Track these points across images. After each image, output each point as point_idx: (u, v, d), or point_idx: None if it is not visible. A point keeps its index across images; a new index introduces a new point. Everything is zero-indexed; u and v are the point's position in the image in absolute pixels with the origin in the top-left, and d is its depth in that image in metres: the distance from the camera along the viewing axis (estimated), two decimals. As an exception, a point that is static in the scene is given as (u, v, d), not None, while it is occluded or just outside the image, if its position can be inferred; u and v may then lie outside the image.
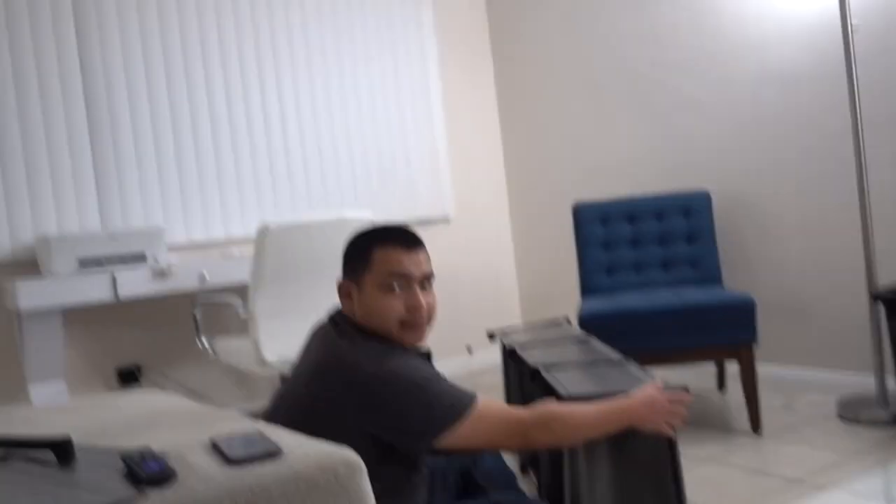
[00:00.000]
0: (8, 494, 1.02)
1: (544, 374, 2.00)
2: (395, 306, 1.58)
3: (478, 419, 1.51)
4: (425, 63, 4.30)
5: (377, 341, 1.59)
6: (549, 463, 2.00)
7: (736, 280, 3.47)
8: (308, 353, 1.68)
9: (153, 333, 3.45)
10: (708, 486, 2.37)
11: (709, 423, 2.99)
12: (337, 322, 1.66)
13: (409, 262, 1.60)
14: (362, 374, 1.49)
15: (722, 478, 2.42)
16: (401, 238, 1.63)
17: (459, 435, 1.49)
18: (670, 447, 1.68)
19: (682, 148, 3.68)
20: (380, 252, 1.60)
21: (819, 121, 3.18)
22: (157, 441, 1.23)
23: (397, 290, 1.58)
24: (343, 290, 1.65)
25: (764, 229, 3.39)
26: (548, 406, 1.58)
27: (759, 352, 3.31)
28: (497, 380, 4.17)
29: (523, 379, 2.30)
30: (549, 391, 1.86)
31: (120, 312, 3.37)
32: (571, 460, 1.74)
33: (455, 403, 1.50)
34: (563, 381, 1.91)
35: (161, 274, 3.02)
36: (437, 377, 1.54)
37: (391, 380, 1.49)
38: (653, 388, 1.67)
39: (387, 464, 1.51)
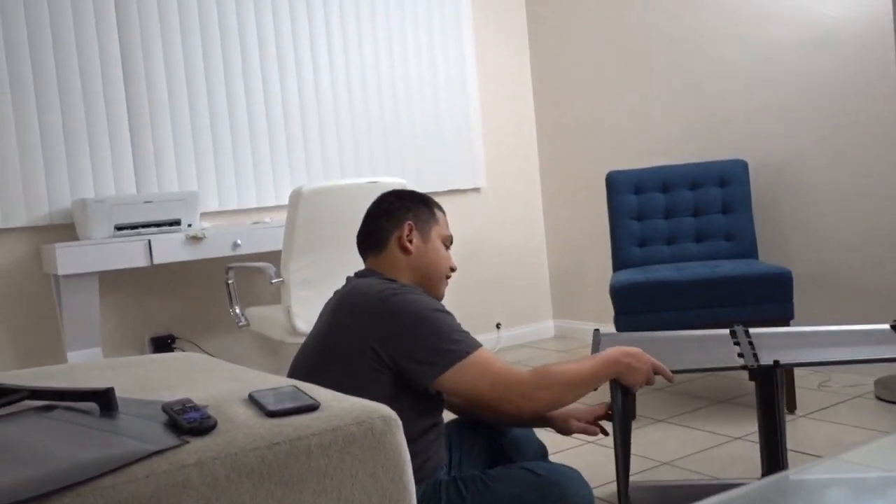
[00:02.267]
0: (53, 440, 1.03)
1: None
2: (449, 260, 1.82)
3: (483, 364, 1.57)
4: (460, 31, 4.26)
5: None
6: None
7: (772, 253, 3.42)
8: (327, 304, 1.73)
9: (186, 302, 3.49)
10: (740, 464, 2.35)
11: (742, 401, 2.96)
12: (361, 273, 1.76)
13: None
14: (385, 297, 1.60)
15: (755, 456, 2.40)
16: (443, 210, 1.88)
17: (463, 375, 1.55)
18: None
19: (719, 116, 3.61)
20: (439, 214, 1.83)
21: (863, 87, 3.10)
22: (196, 395, 1.24)
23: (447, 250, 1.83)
24: (406, 232, 1.75)
25: (802, 201, 3.33)
26: (545, 367, 1.63)
27: (796, 325, 3.27)
28: (524, 356, 4.17)
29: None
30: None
31: (153, 281, 3.41)
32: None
33: (464, 341, 1.58)
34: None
35: (195, 239, 3.05)
36: (453, 318, 1.63)
37: (410, 305, 1.59)
38: (639, 351, 1.70)
39: (402, 405, 1.53)
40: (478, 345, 1.60)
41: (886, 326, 1.90)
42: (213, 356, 3.45)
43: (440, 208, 1.85)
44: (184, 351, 3.47)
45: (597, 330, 1.92)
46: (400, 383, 1.59)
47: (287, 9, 3.72)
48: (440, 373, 1.55)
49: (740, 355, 1.78)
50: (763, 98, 3.43)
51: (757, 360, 1.73)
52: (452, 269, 1.83)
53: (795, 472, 0.75)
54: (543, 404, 1.61)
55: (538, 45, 4.52)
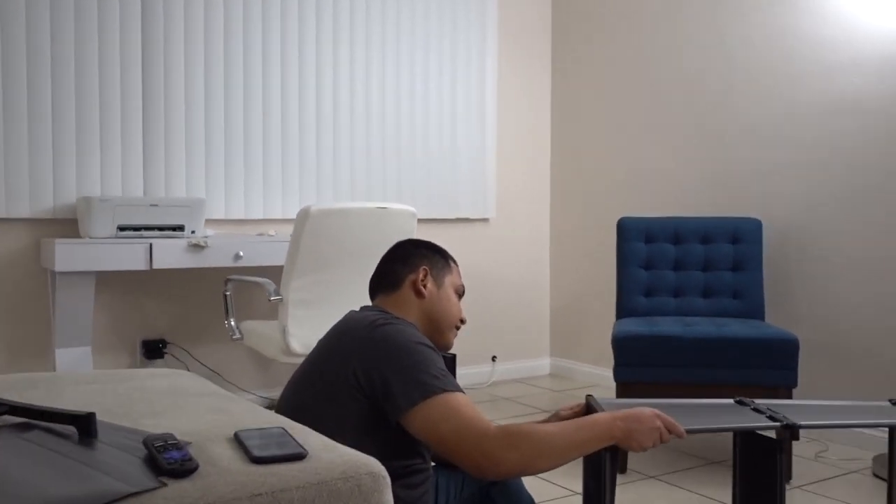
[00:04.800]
0: (28, 466, 0.99)
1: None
2: (460, 310, 1.81)
3: (453, 407, 1.46)
4: (483, 61, 4.25)
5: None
6: None
7: (779, 315, 3.37)
8: (326, 335, 1.71)
9: (181, 308, 3.45)
10: (731, 528, 2.28)
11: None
12: (364, 308, 1.74)
13: None
14: (374, 325, 1.58)
15: (746, 521, 2.34)
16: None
17: (430, 413, 1.46)
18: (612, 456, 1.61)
19: (736, 171, 3.58)
20: (453, 265, 1.85)
21: (884, 154, 3.07)
22: (180, 427, 1.20)
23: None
24: (422, 276, 1.76)
25: (814, 264, 3.29)
26: (519, 425, 1.47)
27: (797, 394, 3.21)
28: (517, 393, 4.11)
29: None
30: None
31: (150, 284, 3.37)
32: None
33: (442, 379, 1.50)
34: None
35: (197, 247, 3.01)
36: (440, 358, 1.58)
37: (396, 335, 1.56)
38: (648, 410, 1.57)
39: (380, 440, 1.50)
40: (457, 388, 1.51)
41: (884, 402, 1.86)
42: (203, 364, 3.42)
43: (454, 260, 1.86)
44: (174, 357, 3.42)
45: (589, 395, 1.83)
46: (379, 416, 1.54)
47: (313, 28, 3.70)
48: (410, 406, 1.47)
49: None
50: (782, 157, 3.40)
51: (779, 420, 1.68)
52: (462, 321, 1.82)
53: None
54: (507, 468, 1.43)
55: (560, 82, 4.50)
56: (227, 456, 1.06)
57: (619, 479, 2.73)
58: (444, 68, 4.12)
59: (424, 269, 1.78)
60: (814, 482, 2.70)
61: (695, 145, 3.77)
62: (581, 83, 4.36)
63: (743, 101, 3.56)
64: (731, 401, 1.91)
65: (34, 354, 3.15)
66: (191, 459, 1.00)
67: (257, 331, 2.96)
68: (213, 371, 3.47)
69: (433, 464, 1.89)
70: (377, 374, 1.53)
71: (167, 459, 1.00)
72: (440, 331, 1.77)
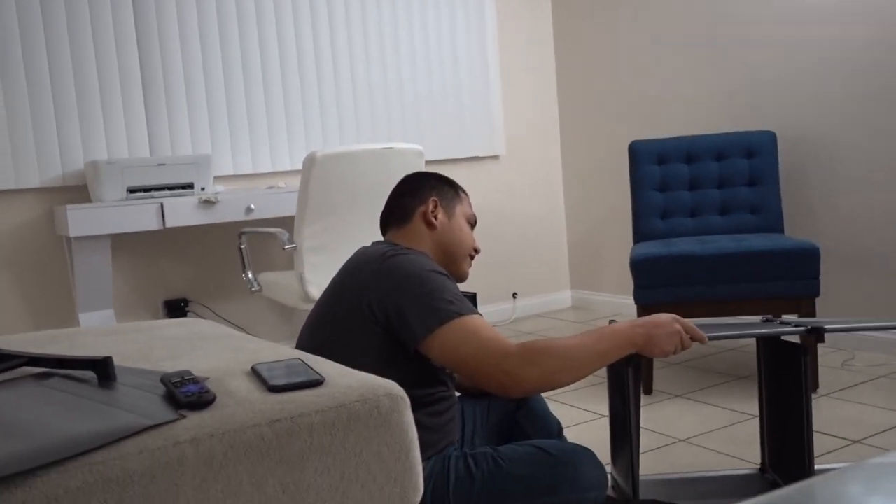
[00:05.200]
0: (48, 411, 1.00)
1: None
2: (473, 239, 1.80)
3: (471, 330, 1.47)
4: (480, -5, 4.15)
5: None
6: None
7: (798, 228, 3.33)
8: (338, 272, 1.71)
9: (200, 267, 3.47)
10: (758, 443, 2.29)
11: (761, 374, 2.90)
12: (376, 243, 1.72)
13: None
14: (386, 256, 1.58)
15: (774, 430, 2.34)
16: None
17: (448, 338, 1.46)
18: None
19: (748, 85, 3.50)
20: (462, 194, 1.82)
21: (899, 61, 2.98)
22: (198, 366, 1.20)
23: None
24: (431, 207, 1.75)
25: (831, 174, 3.23)
26: (536, 341, 1.47)
27: (820, 304, 3.19)
28: (540, 327, 4.12)
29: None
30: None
31: (166, 244, 3.38)
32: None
33: (457, 303, 1.50)
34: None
35: (208, 203, 3.00)
36: (453, 283, 1.58)
37: (409, 264, 1.56)
38: (667, 315, 1.54)
39: (402, 370, 1.50)
40: (473, 311, 1.51)
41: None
42: (226, 321, 3.45)
43: (463, 190, 1.84)
44: (197, 315, 3.45)
45: (613, 319, 1.82)
46: (397, 346, 1.54)
47: (304, -32, 3.62)
48: (427, 333, 1.48)
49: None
50: (795, 66, 3.31)
51: (803, 326, 1.67)
52: (476, 251, 1.80)
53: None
54: (530, 384, 1.44)
55: (562, 9, 4.39)
56: (245, 387, 1.07)
57: (646, 399, 2.74)
58: (443, 4, 4.03)
59: (434, 199, 1.77)
60: (840, 389, 2.70)
61: (703, 61, 3.68)
62: (583, 9, 4.26)
63: (750, 11, 3.45)
64: (757, 318, 1.88)
65: (59, 322, 3.19)
66: (208, 392, 1.01)
67: (275, 281, 2.98)
68: (236, 326, 3.50)
69: (458, 394, 1.91)
70: (391, 304, 1.53)
71: (184, 393, 1.00)
72: (454, 261, 1.76)
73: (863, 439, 2.24)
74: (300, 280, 2.76)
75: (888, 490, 0.66)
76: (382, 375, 1.18)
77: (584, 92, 4.32)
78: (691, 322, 1.57)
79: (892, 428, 2.30)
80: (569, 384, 1.48)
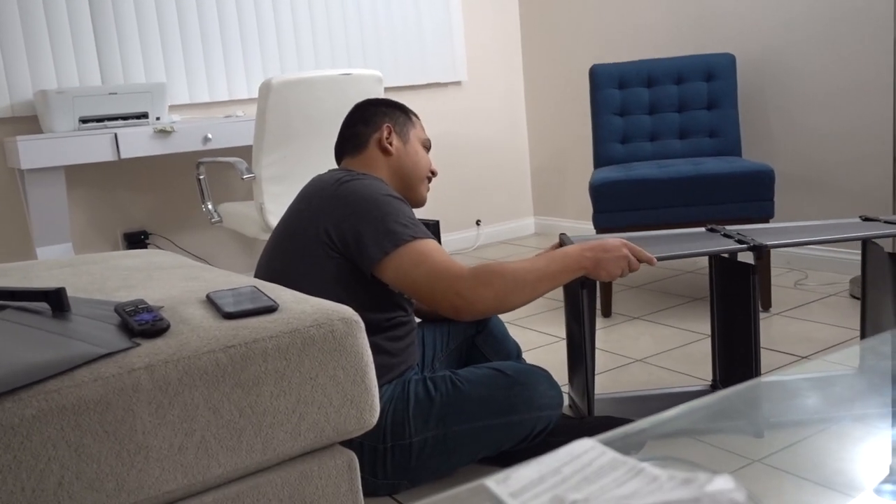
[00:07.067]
0: (1, 342, 1.00)
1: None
2: (429, 162, 1.82)
3: (424, 253, 1.50)
4: (439, -86, 4.02)
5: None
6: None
7: (756, 150, 3.37)
8: (294, 200, 1.72)
9: (158, 198, 3.42)
10: (710, 361, 2.37)
11: (717, 295, 2.97)
12: (334, 170, 1.72)
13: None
14: (340, 182, 1.59)
15: (727, 348, 2.42)
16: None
17: (402, 261, 1.49)
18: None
19: (708, 7, 3.48)
20: (415, 119, 1.83)
21: (857, -18, 2.98)
22: (153, 295, 1.20)
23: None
24: (386, 133, 1.75)
25: (789, 96, 3.25)
26: (488, 264, 1.51)
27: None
28: (503, 254, 4.16)
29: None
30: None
31: (124, 176, 3.32)
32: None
33: (411, 227, 1.53)
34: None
35: (164, 133, 2.95)
36: (408, 207, 1.60)
37: (363, 188, 1.57)
38: (616, 239, 1.59)
39: (359, 295, 1.54)
40: (426, 235, 1.54)
41: (856, 219, 1.90)
42: (187, 252, 3.42)
43: (415, 114, 1.85)
44: (157, 247, 3.42)
45: (563, 234, 1.86)
46: (355, 271, 1.56)
47: None
48: (383, 255, 1.50)
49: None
50: (755, -12, 3.29)
51: (746, 243, 1.72)
52: (433, 173, 1.82)
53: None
54: (482, 305, 1.47)
55: (523, -72, 4.29)
56: (199, 315, 1.08)
57: (605, 322, 2.81)
58: (401, -76, 3.91)
59: (388, 126, 1.77)
60: (793, 307, 2.78)
61: (666, -16, 3.63)
62: (545, -72, 4.16)
63: (713, -69, 3.40)
64: (702, 229, 1.93)
65: (16, 257, 3.14)
66: (161, 319, 1.02)
67: (235, 212, 2.95)
68: (197, 257, 3.48)
69: (418, 319, 1.94)
70: (348, 228, 1.53)
71: (138, 321, 1.01)
72: (411, 186, 1.78)
73: (810, 355, 2.33)
74: (260, 210, 2.74)
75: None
76: (341, 301, 1.20)
77: (547, 16, 4.26)
78: (639, 245, 1.61)
79: (838, 343, 2.39)
80: (520, 306, 1.51)
